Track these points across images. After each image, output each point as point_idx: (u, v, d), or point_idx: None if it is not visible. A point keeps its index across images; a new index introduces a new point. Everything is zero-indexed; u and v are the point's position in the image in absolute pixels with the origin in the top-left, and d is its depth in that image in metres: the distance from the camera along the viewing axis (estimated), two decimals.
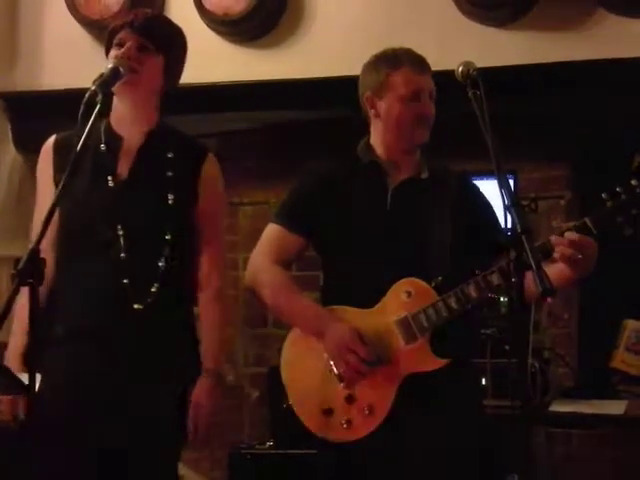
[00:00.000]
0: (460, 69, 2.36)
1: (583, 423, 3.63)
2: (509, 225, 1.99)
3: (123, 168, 2.48)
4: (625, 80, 3.69)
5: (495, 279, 2.46)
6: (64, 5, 4.17)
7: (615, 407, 3.55)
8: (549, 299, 1.85)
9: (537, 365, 3.64)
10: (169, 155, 2.48)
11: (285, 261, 2.69)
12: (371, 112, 2.74)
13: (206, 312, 2.56)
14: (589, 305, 4.12)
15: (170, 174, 2.47)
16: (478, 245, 2.59)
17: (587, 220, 2.39)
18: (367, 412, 2.50)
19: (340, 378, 2.54)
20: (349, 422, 2.51)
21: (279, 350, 2.69)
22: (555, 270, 2.38)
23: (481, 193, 2.75)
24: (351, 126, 4.11)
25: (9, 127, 4.35)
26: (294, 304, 2.64)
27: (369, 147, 2.72)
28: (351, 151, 2.77)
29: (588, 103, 3.84)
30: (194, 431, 2.48)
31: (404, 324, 2.51)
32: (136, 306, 2.39)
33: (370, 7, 3.98)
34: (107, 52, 2.52)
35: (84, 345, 2.41)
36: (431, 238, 2.55)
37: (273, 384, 4.35)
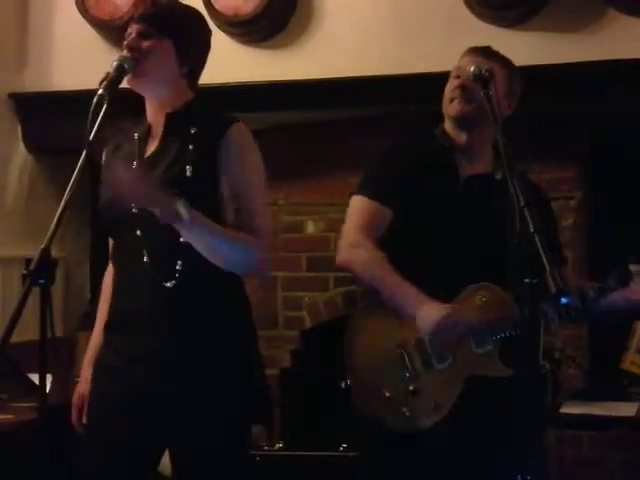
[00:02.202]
0: (472, 69, 2.37)
1: (594, 425, 3.61)
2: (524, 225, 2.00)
3: (149, 152, 2.46)
4: (635, 80, 3.67)
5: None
6: (74, 6, 4.18)
7: (626, 409, 3.53)
8: (563, 300, 1.85)
9: (548, 366, 3.63)
10: (192, 131, 2.44)
11: (375, 234, 2.65)
12: None
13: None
14: None
15: (191, 147, 2.41)
16: None
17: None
18: (432, 406, 2.54)
19: (406, 367, 2.58)
20: (413, 415, 2.55)
21: (346, 329, 2.69)
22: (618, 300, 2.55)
23: (550, 207, 2.79)
24: (362, 126, 4.13)
25: (19, 128, 4.36)
26: (390, 282, 2.59)
27: (443, 132, 2.76)
28: (429, 133, 2.79)
29: (598, 103, 3.83)
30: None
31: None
32: (168, 284, 2.35)
33: (380, 7, 3.97)
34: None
35: (123, 334, 2.40)
36: (500, 240, 2.48)
37: (284, 386, 4.37)
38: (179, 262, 2.35)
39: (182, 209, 2.20)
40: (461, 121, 2.68)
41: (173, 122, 2.46)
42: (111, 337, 2.44)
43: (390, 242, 2.68)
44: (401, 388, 2.58)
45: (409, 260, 2.62)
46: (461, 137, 2.71)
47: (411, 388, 2.58)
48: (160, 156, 2.43)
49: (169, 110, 2.47)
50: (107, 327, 2.46)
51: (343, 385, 2.64)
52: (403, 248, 2.66)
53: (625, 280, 2.47)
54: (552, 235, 2.62)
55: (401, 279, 2.58)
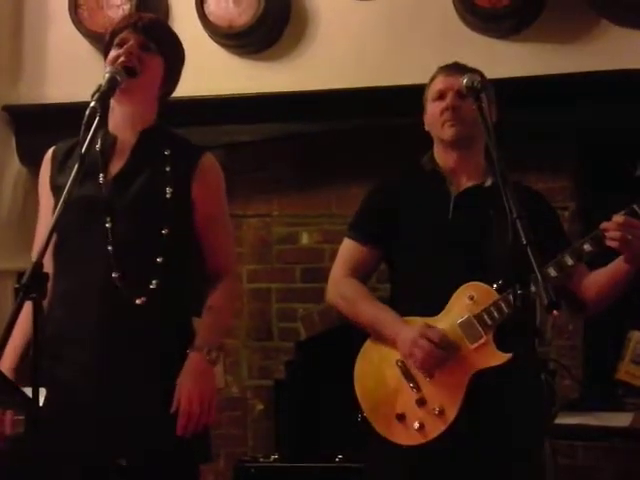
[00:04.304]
0: (464, 81, 2.38)
1: (588, 435, 3.61)
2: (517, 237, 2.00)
3: (115, 166, 2.45)
4: (628, 91, 3.69)
5: (552, 272, 2.51)
6: (68, 18, 4.19)
7: (621, 419, 3.54)
8: (555, 312, 1.86)
9: (542, 377, 3.63)
10: (166, 152, 2.46)
11: (360, 273, 2.77)
12: (425, 126, 2.79)
13: (212, 297, 2.50)
14: (594, 316, 4.11)
15: (168, 169, 2.43)
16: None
17: (635, 206, 2.47)
18: (437, 412, 2.55)
19: (410, 379, 2.60)
20: (421, 425, 2.56)
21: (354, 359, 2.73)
22: (613, 266, 2.53)
23: (545, 205, 2.78)
24: (356, 137, 4.13)
25: (14, 140, 4.36)
26: (368, 313, 2.70)
27: (432, 157, 2.77)
28: (415, 162, 2.82)
29: (591, 114, 3.84)
30: (177, 416, 2.34)
31: (468, 325, 2.57)
32: (137, 301, 2.35)
33: (373, 19, 3.99)
34: (106, 55, 2.48)
35: (77, 348, 2.36)
36: (492, 247, 2.57)
37: (278, 397, 4.36)
38: (154, 281, 2.37)
39: (216, 360, 2.42)
40: (457, 143, 2.69)
41: (146, 140, 2.47)
42: (60, 350, 2.38)
43: (392, 261, 2.79)
44: (409, 402, 2.60)
45: (407, 276, 2.72)
46: (452, 159, 2.72)
47: (416, 398, 2.59)
48: (132, 173, 2.43)
49: (140, 127, 2.48)
50: (54, 338, 2.37)
51: (359, 418, 2.67)
52: (402, 266, 2.74)
53: (599, 240, 2.48)
54: (560, 239, 2.64)
55: (378, 307, 2.70)
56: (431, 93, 2.74)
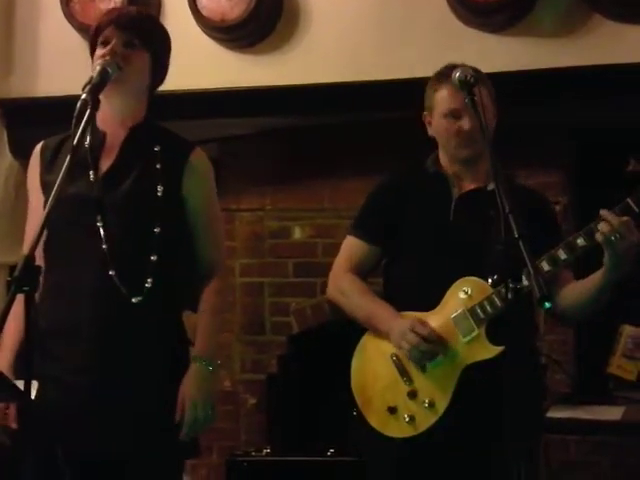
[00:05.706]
0: (457, 75, 2.38)
1: (580, 429, 3.63)
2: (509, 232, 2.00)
3: (105, 163, 2.44)
4: (620, 85, 3.69)
5: (545, 266, 2.52)
6: (60, 12, 4.17)
7: (612, 413, 3.55)
8: (547, 304, 1.86)
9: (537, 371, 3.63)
10: (156, 148, 2.45)
11: (361, 270, 2.79)
12: (429, 129, 2.77)
13: (204, 300, 2.51)
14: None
15: (159, 166, 2.43)
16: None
17: (629, 200, 2.46)
18: (427, 405, 2.57)
19: (403, 372, 2.62)
20: (412, 417, 2.59)
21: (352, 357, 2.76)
22: (591, 277, 2.54)
23: (540, 201, 2.78)
24: (349, 131, 4.14)
25: (5, 134, 4.35)
26: (365, 308, 2.72)
27: (436, 160, 2.77)
28: (420, 162, 2.81)
29: (584, 108, 3.85)
30: (182, 423, 2.38)
31: (462, 319, 2.60)
32: (134, 300, 2.35)
33: (366, 13, 3.98)
34: (92, 52, 2.48)
35: (69, 344, 2.36)
36: (492, 248, 2.51)
37: (271, 391, 4.37)
38: (149, 280, 2.37)
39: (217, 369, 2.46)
40: (469, 161, 2.68)
41: (135, 137, 2.46)
42: (50, 345, 2.38)
43: (391, 258, 2.80)
44: (401, 394, 2.62)
45: (405, 274, 2.72)
46: (457, 167, 2.71)
47: (408, 391, 2.61)
48: (122, 170, 2.42)
49: (130, 123, 2.47)
50: (44, 333, 2.37)
51: (354, 412, 2.70)
52: (400, 264, 2.75)
53: (591, 233, 2.47)
54: (555, 237, 2.62)
55: (375, 302, 2.72)
56: (441, 107, 2.66)
